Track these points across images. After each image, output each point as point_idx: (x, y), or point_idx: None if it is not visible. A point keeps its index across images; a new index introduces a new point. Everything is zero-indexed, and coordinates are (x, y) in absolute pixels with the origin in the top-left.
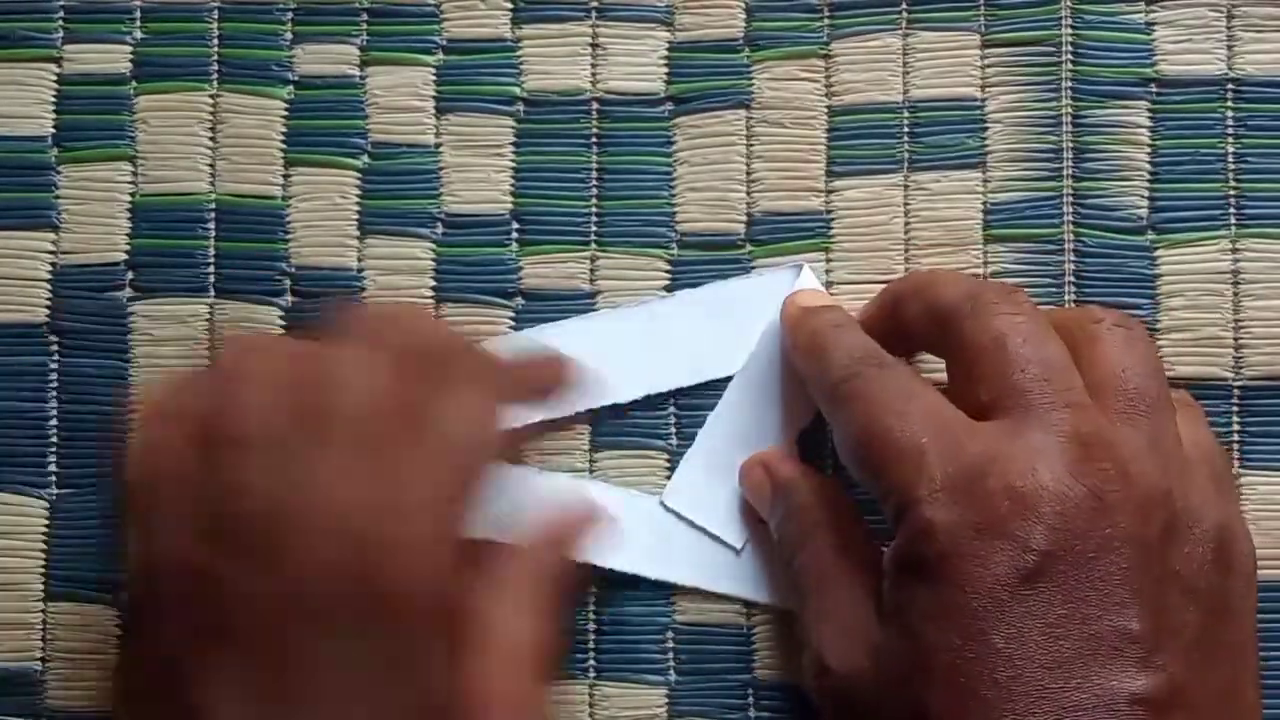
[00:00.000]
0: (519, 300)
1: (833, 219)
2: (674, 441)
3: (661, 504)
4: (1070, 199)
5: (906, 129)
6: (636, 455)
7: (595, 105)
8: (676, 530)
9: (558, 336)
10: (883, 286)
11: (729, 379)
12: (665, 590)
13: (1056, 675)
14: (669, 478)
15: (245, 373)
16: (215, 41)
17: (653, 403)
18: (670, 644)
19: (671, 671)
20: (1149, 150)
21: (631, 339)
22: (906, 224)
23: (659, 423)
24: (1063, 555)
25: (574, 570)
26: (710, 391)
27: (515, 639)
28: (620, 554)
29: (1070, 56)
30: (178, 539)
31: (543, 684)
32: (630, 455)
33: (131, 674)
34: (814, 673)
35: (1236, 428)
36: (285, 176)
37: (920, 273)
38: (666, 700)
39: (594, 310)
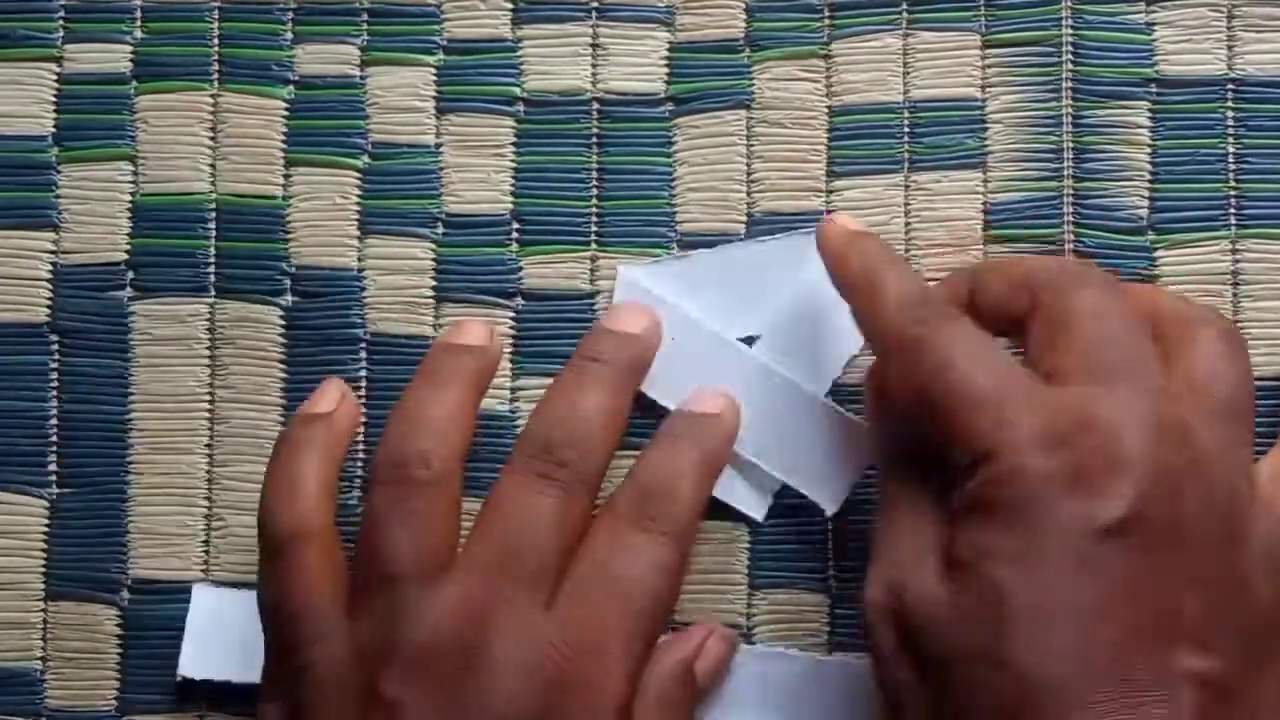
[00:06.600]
0: (519, 300)
1: None
2: None
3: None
4: (1070, 199)
5: (906, 129)
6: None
7: (595, 105)
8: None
9: None
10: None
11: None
12: None
13: (1131, 636)
14: None
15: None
16: (215, 41)
17: (654, 404)
18: None
19: None
20: (1149, 150)
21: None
22: (907, 224)
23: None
24: (1149, 518)
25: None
26: None
27: None
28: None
29: (1070, 56)
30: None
31: None
32: (633, 457)
33: None
34: (887, 589)
35: None
36: (285, 176)
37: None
38: None
39: (593, 309)
